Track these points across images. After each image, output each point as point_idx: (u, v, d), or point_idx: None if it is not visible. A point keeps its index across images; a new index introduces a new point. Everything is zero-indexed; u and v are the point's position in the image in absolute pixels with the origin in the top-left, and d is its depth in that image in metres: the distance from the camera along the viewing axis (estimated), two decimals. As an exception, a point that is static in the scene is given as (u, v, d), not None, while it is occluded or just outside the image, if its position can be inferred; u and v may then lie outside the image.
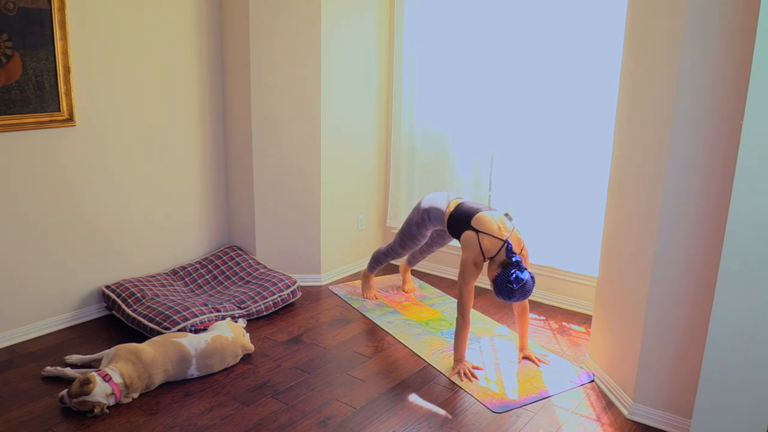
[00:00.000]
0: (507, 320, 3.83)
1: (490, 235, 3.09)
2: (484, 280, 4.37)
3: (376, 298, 4.09)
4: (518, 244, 3.12)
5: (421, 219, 3.56)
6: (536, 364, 3.26)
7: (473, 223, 3.16)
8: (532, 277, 2.98)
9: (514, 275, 2.92)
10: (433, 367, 3.23)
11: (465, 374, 3.11)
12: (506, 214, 3.23)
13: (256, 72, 3.98)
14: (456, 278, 4.46)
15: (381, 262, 4.01)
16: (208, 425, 2.69)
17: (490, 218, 3.15)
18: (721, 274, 2.23)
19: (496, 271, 3.04)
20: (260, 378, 3.09)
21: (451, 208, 3.36)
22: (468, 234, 3.15)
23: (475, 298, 4.14)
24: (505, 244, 3.04)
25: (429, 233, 3.67)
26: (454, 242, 4.45)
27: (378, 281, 4.37)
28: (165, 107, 3.85)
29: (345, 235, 4.50)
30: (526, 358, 3.31)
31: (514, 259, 2.98)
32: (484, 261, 3.12)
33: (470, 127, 4.27)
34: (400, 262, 4.43)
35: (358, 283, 4.34)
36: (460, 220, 3.26)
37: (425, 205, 3.55)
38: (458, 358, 3.19)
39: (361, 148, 4.49)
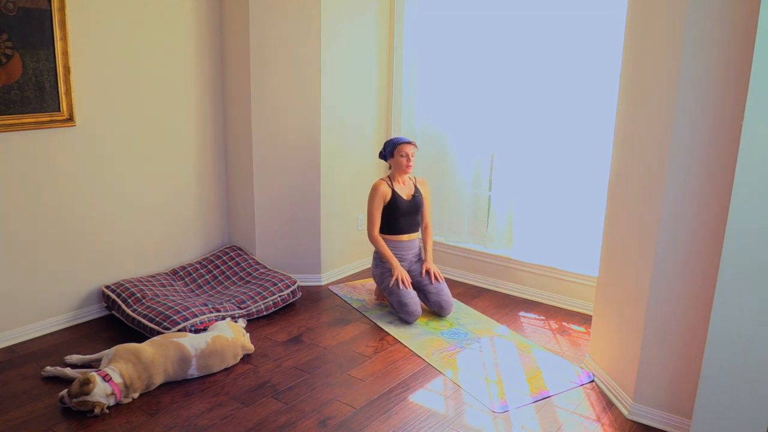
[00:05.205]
0: (507, 320, 3.83)
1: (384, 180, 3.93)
2: (484, 280, 4.37)
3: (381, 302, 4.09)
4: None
5: (375, 265, 3.96)
6: (437, 279, 3.82)
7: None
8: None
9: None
10: (433, 367, 3.23)
11: (400, 280, 3.73)
12: None
13: (256, 72, 3.97)
14: (454, 278, 4.47)
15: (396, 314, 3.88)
16: (208, 425, 2.69)
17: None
18: (721, 274, 2.23)
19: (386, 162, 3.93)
20: (260, 378, 3.09)
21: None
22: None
23: (475, 298, 4.15)
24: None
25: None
26: (451, 241, 4.47)
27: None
28: (165, 107, 3.85)
29: (345, 235, 4.50)
30: (428, 272, 3.86)
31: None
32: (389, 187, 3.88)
33: (470, 127, 4.26)
34: None
35: (358, 283, 4.34)
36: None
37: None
38: (395, 266, 3.79)
39: (362, 147, 4.49)
